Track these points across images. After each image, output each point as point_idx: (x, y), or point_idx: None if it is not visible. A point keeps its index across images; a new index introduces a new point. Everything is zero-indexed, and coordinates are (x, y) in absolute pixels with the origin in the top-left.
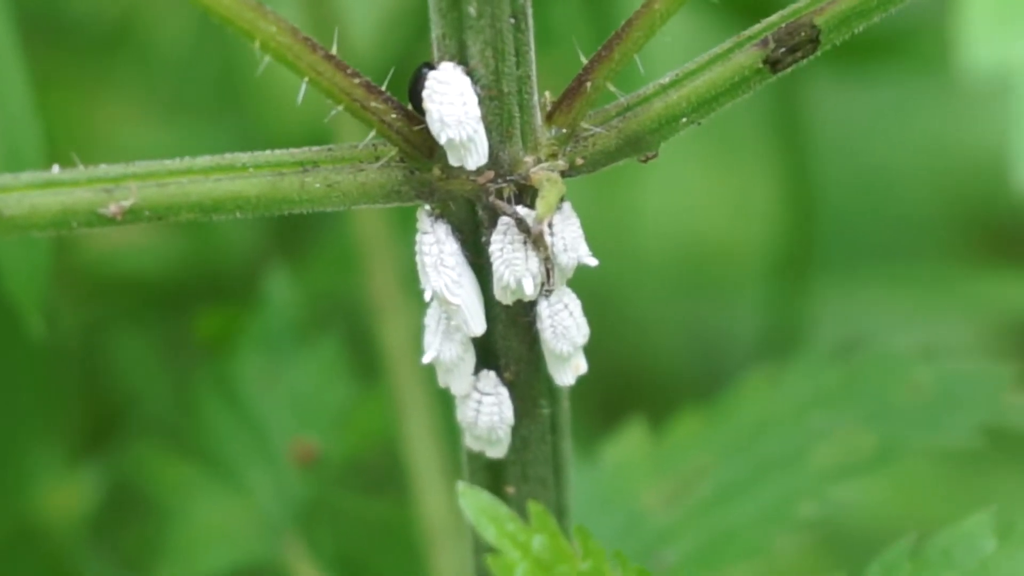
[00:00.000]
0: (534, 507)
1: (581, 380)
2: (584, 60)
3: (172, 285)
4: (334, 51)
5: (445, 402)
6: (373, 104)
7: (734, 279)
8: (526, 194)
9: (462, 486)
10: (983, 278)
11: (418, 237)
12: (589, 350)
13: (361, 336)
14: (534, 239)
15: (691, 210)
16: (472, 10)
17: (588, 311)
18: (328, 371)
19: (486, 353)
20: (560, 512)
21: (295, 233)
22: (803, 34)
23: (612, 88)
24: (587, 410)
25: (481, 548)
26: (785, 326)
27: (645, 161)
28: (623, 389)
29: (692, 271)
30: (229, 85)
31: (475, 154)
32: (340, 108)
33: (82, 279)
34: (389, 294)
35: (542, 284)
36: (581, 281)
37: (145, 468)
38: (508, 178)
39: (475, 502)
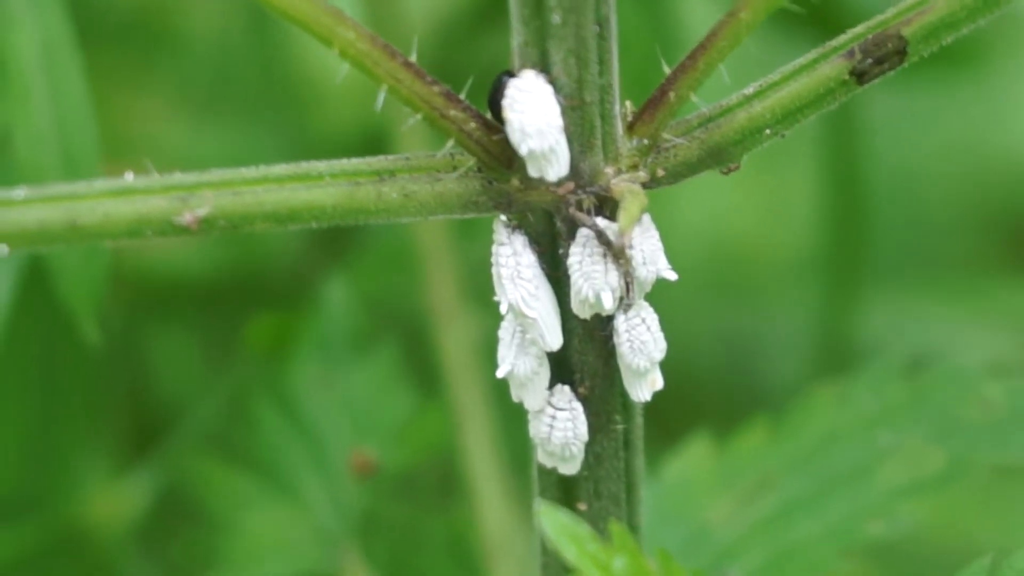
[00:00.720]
0: (615, 527)
1: None
2: (667, 70)
3: (215, 288)
4: (413, 58)
5: (505, 414)
6: (452, 113)
7: (766, 283)
8: (606, 206)
9: (541, 504)
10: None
11: (494, 248)
12: None
13: (416, 344)
14: (616, 252)
15: (723, 213)
16: (556, 18)
17: None
18: (386, 380)
19: (560, 367)
20: (632, 530)
21: (338, 236)
22: (890, 46)
23: (694, 98)
24: None
25: (550, 566)
26: (829, 332)
27: (727, 173)
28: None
29: (723, 274)
30: (266, 80)
31: (556, 165)
32: (418, 117)
33: (125, 282)
34: (448, 302)
35: (621, 298)
36: None
37: (195, 476)
38: (588, 189)
39: (555, 521)
